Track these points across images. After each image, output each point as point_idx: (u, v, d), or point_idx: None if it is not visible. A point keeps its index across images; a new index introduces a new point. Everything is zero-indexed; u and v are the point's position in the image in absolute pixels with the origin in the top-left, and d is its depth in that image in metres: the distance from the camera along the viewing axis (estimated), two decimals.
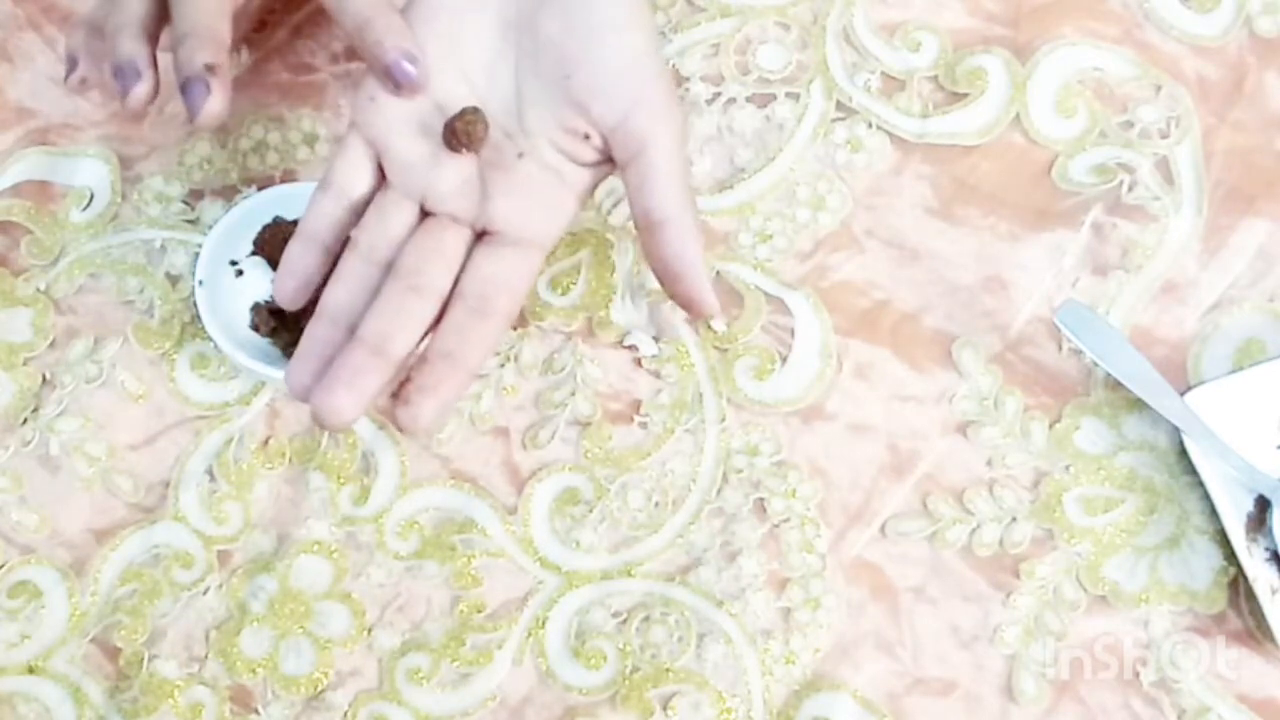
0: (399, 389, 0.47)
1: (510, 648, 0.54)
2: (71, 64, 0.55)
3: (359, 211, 0.51)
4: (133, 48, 0.53)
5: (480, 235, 0.50)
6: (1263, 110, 0.62)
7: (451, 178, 0.50)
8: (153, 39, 0.53)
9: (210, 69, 0.51)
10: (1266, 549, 0.53)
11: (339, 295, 0.49)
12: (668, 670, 0.54)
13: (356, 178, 0.51)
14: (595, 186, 0.53)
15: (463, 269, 0.50)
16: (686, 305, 0.52)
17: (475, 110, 0.50)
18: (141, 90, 0.52)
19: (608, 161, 0.51)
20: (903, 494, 0.56)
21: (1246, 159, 0.61)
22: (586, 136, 0.51)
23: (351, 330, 0.48)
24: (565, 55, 0.50)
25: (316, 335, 0.48)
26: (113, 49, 0.53)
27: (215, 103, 0.51)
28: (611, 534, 0.56)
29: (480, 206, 0.50)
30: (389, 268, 0.49)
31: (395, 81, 0.50)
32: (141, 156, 0.62)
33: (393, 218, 0.50)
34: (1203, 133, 0.61)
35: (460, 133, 0.50)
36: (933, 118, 0.62)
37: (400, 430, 0.50)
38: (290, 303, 0.51)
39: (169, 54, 0.53)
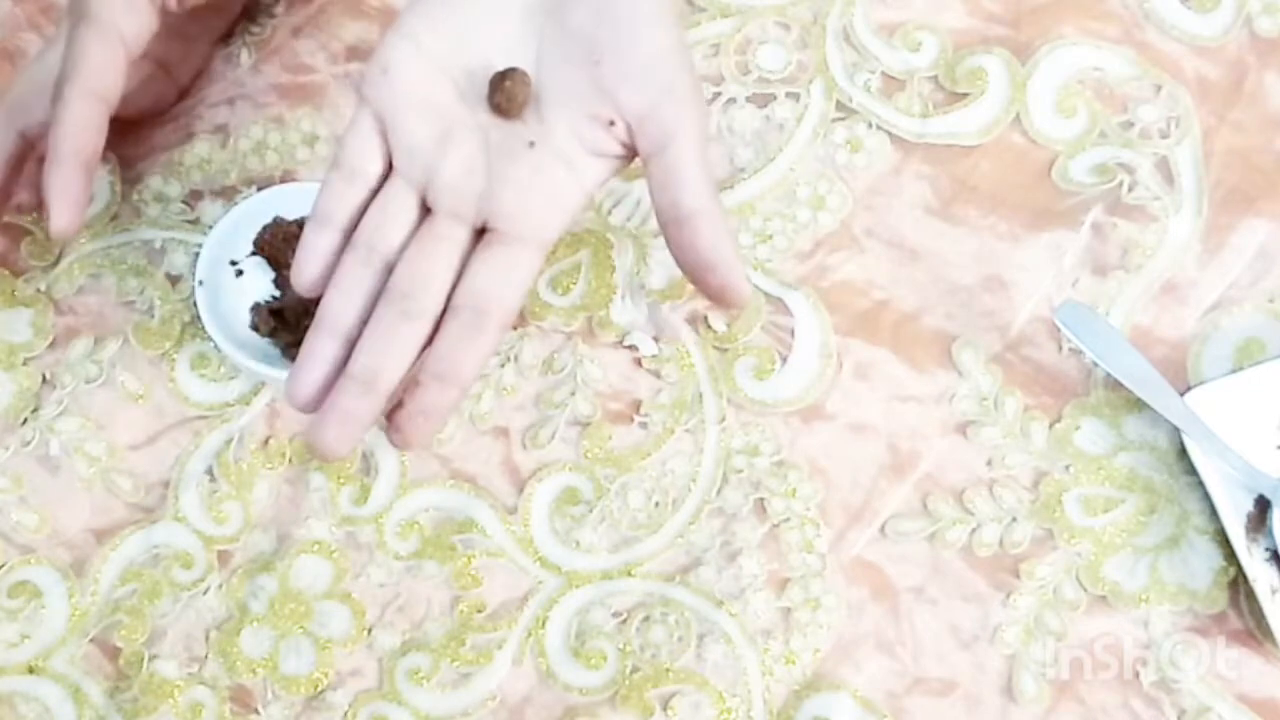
0: (392, 413, 0.48)
1: (510, 648, 0.54)
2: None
3: (370, 193, 0.50)
4: None
5: (480, 233, 0.50)
6: (1263, 110, 0.62)
7: (456, 164, 0.49)
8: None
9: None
10: (1266, 549, 0.53)
11: (337, 304, 0.49)
12: (668, 670, 0.54)
13: (367, 158, 0.50)
14: (603, 184, 0.52)
15: (459, 277, 0.49)
16: (719, 296, 0.51)
17: (520, 71, 0.50)
18: None
19: (626, 155, 0.51)
20: (903, 494, 0.56)
21: (1246, 159, 0.61)
22: (612, 123, 0.50)
23: (349, 341, 0.48)
24: (595, 43, 0.50)
25: (314, 349, 0.48)
26: None
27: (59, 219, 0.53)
28: (611, 534, 0.56)
29: (483, 197, 0.49)
30: (387, 271, 0.49)
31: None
32: (141, 156, 0.62)
33: (394, 216, 0.50)
34: (1203, 133, 0.61)
35: (506, 92, 0.49)
36: (933, 118, 0.62)
37: (395, 447, 0.51)
38: (310, 290, 0.49)
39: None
